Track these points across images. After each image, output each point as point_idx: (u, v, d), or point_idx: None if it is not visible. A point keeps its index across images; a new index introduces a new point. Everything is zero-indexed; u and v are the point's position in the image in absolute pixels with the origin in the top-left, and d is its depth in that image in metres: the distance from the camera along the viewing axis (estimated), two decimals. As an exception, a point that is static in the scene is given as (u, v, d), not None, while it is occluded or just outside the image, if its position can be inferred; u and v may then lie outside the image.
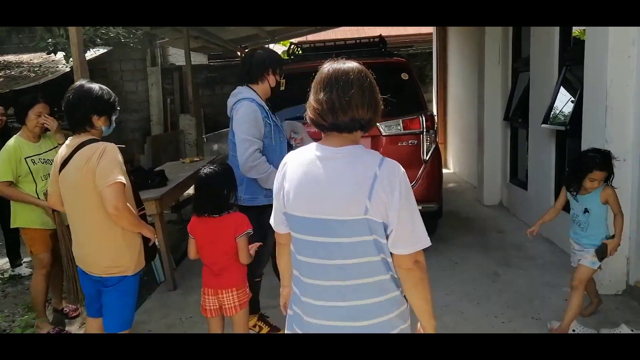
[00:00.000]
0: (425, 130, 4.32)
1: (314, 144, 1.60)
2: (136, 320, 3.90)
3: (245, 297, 2.81)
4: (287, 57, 5.11)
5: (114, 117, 2.48)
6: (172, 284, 4.37)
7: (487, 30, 6.11)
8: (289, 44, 5.43)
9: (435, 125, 4.57)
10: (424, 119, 4.32)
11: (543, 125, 4.62)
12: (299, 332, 1.65)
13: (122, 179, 2.28)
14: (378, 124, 3.75)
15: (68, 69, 9.99)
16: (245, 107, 2.96)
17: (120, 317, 2.48)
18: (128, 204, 2.35)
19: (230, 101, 3.10)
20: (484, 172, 6.44)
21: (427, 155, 4.37)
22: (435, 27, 9.71)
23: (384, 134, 4.39)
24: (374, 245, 1.51)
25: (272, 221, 1.73)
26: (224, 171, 2.74)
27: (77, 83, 2.49)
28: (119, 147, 2.32)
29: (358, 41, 5.16)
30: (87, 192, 2.32)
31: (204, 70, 11.64)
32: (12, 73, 9.29)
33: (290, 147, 3.41)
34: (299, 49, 5.32)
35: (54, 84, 8.44)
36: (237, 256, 2.68)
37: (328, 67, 1.55)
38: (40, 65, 9.67)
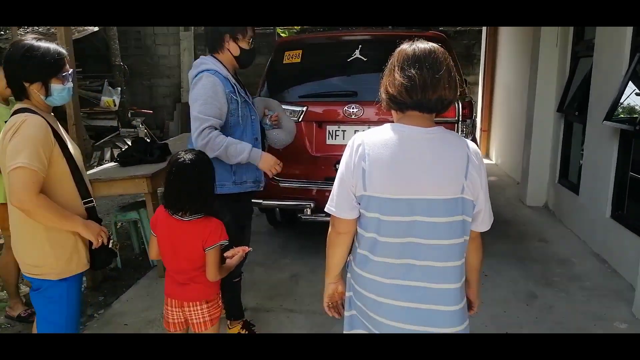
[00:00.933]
0: (461, 119, 3.67)
1: (388, 125, 1.57)
2: (114, 311, 3.54)
3: (218, 311, 2.34)
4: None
5: (55, 85, 1.97)
6: (162, 271, 3.96)
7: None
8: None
9: (474, 114, 3.91)
10: (460, 105, 3.67)
11: (605, 122, 3.90)
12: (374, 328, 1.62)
13: (28, 163, 1.80)
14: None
15: (96, 28, 9.71)
16: (203, 80, 2.52)
17: (51, 325, 2.06)
18: (46, 194, 1.89)
19: (191, 73, 2.66)
20: (529, 167, 5.76)
21: (461, 148, 3.74)
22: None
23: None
24: (461, 225, 1.55)
25: (333, 208, 1.61)
26: (200, 163, 2.17)
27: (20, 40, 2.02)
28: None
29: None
30: (5, 174, 1.89)
31: (238, 38, 11.14)
32: (40, 30, 9.04)
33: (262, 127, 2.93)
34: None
35: (77, 42, 8.12)
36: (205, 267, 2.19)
37: (410, 46, 1.55)
38: (69, 24, 9.39)
